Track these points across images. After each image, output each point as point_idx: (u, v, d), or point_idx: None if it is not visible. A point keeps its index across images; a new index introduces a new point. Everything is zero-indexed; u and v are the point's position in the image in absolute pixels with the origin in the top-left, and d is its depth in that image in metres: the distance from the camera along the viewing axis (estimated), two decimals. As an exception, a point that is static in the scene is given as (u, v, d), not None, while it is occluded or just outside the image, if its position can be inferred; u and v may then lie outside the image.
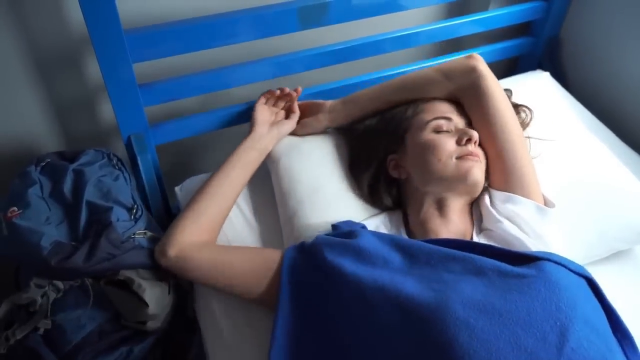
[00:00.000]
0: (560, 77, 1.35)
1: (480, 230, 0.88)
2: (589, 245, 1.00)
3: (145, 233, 0.95)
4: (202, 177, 1.14)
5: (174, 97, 1.07)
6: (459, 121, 0.93)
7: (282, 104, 1.09)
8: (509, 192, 0.88)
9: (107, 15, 0.86)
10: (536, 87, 1.23)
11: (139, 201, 0.99)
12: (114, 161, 1.03)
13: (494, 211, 0.87)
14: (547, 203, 0.88)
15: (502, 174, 0.89)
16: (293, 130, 1.07)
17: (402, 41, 1.22)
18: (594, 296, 0.72)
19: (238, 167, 0.97)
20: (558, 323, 0.64)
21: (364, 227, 0.89)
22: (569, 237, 0.95)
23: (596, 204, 1.02)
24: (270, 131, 1.03)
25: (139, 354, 0.95)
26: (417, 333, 0.66)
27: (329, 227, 0.91)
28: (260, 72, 1.12)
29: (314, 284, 0.80)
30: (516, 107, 1.01)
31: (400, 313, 0.69)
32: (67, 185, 0.95)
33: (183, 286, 1.01)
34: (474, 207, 0.92)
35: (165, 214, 1.13)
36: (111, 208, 0.92)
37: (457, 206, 0.89)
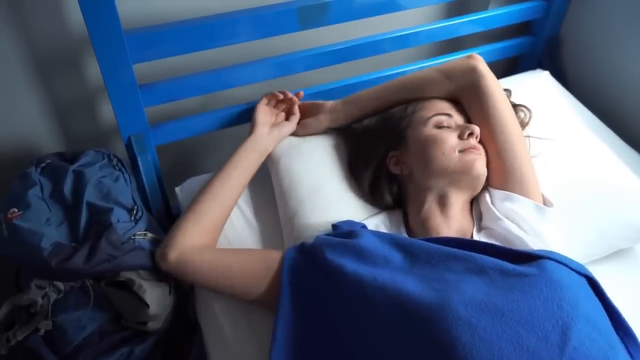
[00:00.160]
0: (560, 77, 1.35)
1: (481, 228, 0.88)
2: (589, 244, 1.00)
3: (145, 234, 0.95)
4: (202, 177, 1.14)
5: (174, 98, 1.07)
6: (458, 118, 0.94)
7: (282, 105, 1.10)
8: (508, 191, 0.88)
9: (107, 15, 0.86)
10: (536, 87, 1.23)
11: (139, 202, 0.99)
12: (114, 162, 1.03)
13: (494, 209, 0.87)
14: (546, 202, 0.88)
15: (501, 173, 0.90)
16: (294, 131, 1.07)
17: (401, 41, 1.22)
18: (594, 295, 0.72)
19: (239, 169, 0.97)
20: (560, 322, 0.64)
21: (364, 226, 0.89)
22: (569, 236, 0.95)
23: (596, 203, 1.02)
24: (270, 132, 1.03)
25: (139, 355, 0.95)
26: (419, 333, 0.66)
27: (329, 227, 0.91)
28: (260, 73, 1.12)
29: (314, 284, 0.80)
30: (515, 107, 1.01)
31: (401, 313, 0.69)
32: (67, 186, 0.95)
33: (184, 287, 1.01)
34: (474, 206, 0.93)
35: (165, 214, 1.13)
36: (111, 209, 0.92)
37: (459, 203, 0.89)
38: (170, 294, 0.95)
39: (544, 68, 1.34)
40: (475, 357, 0.61)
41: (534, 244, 0.81)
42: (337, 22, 1.09)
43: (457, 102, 0.98)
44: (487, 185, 0.92)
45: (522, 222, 0.85)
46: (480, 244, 0.79)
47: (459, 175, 0.87)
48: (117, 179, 0.99)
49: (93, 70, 1.11)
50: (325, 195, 0.97)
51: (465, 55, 0.99)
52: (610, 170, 1.07)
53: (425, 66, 1.19)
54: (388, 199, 0.96)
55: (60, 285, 0.93)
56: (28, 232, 0.87)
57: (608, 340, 0.67)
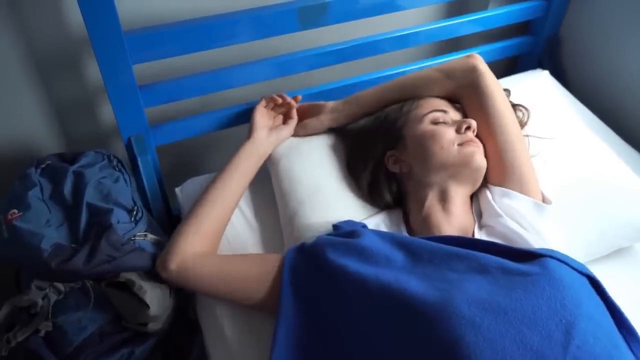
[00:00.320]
0: (560, 76, 1.36)
1: (482, 226, 0.88)
2: (589, 243, 1.01)
3: (145, 235, 0.94)
4: (203, 178, 1.14)
5: (174, 98, 1.07)
6: (454, 114, 0.96)
7: (280, 109, 1.10)
8: (507, 188, 0.88)
9: (106, 16, 0.86)
10: (536, 86, 1.23)
11: (139, 203, 0.98)
12: (114, 163, 1.03)
13: (494, 205, 0.87)
14: (545, 201, 0.89)
15: (501, 172, 0.90)
16: (295, 132, 1.07)
17: (401, 41, 1.22)
18: (596, 294, 0.72)
19: (238, 175, 0.97)
20: (563, 321, 0.64)
21: (364, 226, 0.89)
22: (569, 234, 0.96)
23: (596, 202, 1.02)
24: (269, 136, 1.03)
25: (140, 356, 0.95)
26: (422, 332, 0.66)
27: (330, 227, 0.91)
28: (260, 73, 1.12)
29: (315, 284, 0.80)
30: (513, 106, 1.01)
31: (405, 312, 0.69)
32: (67, 187, 0.95)
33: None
34: (474, 204, 0.93)
35: (165, 215, 1.13)
36: (111, 210, 0.92)
37: (459, 198, 0.89)
38: (170, 295, 0.95)
39: (543, 68, 1.34)
40: (479, 357, 0.61)
41: (535, 242, 0.81)
42: (337, 22, 1.09)
43: (452, 100, 0.99)
44: (487, 184, 0.92)
45: (521, 219, 0.85)
46: (481, 243, 0.79)
47: (459, 168, 0.87)
48: (117, 180, 0.99)
49: (93, 70, 1.10)
50: (325, 196, 0.97)
51: (465, 54, 0.99)
52: (610, 169, 1.07)
53: (425, 66, 1.19)
54: (388, 198, 0.96)
55: (61, 286, 0.93)
56: (28, 233, 0.87)
57: (611, 338, 0.67)
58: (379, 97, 1.03)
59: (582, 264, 0.74)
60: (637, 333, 0.72)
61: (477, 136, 0.92)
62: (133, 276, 0.94)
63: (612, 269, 1.01)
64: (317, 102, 1.09)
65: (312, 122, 1.06)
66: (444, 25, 1.25)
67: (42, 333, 0.90)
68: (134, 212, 0.96)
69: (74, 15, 1.01)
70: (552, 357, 0.62)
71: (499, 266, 0.72)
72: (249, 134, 1.02)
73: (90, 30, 0.87)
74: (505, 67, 1.50)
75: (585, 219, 1.00)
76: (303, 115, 1.08)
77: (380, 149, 0.97)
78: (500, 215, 0.85)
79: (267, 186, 1.05)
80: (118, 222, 0.91)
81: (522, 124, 1.02)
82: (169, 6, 1.08)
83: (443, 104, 0.96)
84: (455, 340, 0.63)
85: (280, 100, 1.07)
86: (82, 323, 0.92)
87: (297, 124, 1.08)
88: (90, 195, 0.94)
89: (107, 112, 1.18)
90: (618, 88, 1.31)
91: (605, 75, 1.33)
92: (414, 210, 0.92)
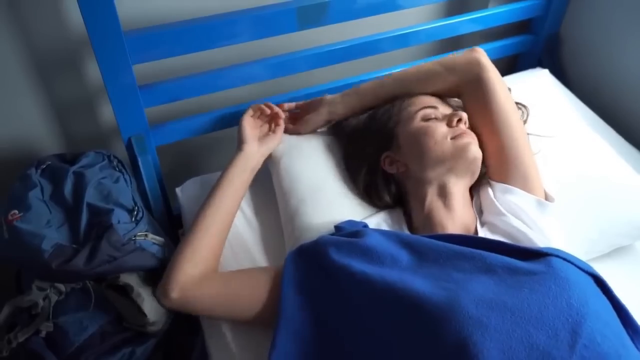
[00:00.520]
0: (560, 75, 1.36)
1: (483, 223, 0.88)
2: (590, 242, 1.01)
3: (146, 235, 0.94)
4: (203, 178, 1.14)
5: (174, 98, 1.07)
6: (444, 108, 0.95)
7: (265, 117, 1.06)
8: (510, 185, 0.88)
9: (106, 16, 0.86)
10: (536, 85, 1.23)
11: (139, 203, 0.98)
12: (115, 163, 1.03)
13: (497, 203, 0.87)
14: (547, 198, 0.88)
15: (504, 168, 0.90)
16: (297, 129, 1.06)
17: (401, 40, 1.22)
18: (602, 293, 0.72)
19: (231, 193, 0.93)
20: (570, 320, 0.64)
21: (365, 226, 0.89)
22: (570, 233, 0.95)
23: (597, 200, 1.02)
24: (259, 148, 0.99)
25: (140, 356, 0.95)
26: (429, 333, 0.66)
27: (331, 227, 0.91)
28: (260, 73, 1.12)
29: (317, 284, 0.79)
30: None
31: (411, 313, 0.68)
32: (68, 188, 0.95)
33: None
34: (475, 199, 0.93)
35: (166, 215, 1.13)
36: (112, 210, 0.92)
37: (460, 192, 0.89)
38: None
39: (543, 66, 1.34)
40: (486, 357, 0.61)
41: (539, 240, 0.81)
42: (337, 22, 1.09)
43: (448, 95, 0.99)
44: (489, 180, 0.92)
45: (524, 216, 0.84)
46: (487, 241, 0.79)
47: (455, 160, 0.87)
48: (117, 180, 0.99)
49: (93, 71, 1.10)
50: (326, 194, 0.97)
51: (468, 49, 0.98)
52: (610, 167, 1.07)
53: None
54: (387, 199, 0.96)
55: (61, 286, 0.93)
56: (29, 234, 0.87)
57: (619, 337, 0.67)
58: (378, 90, 1.02)
59: (587, 264, 0.74)
60: None
61: (480, 132, 0.92)
62: (133, 279, 0.94)
63: (613, 267, 1.01)
64: (315, 98, 1.08)
65: (312, 117, 1.05)
66: (444, 24, 1.25)
67: (43, 334, 0.90)
68: (135, 212, 0.95)
69: (74, 15, 1.00)
70: (559, 357, 0.61)
71: (504, 265, 0.71)
72: (239, 146, 0.98)
73: (90, 31, 0.86)
74: (505, 66, 1.49)
75: (585, 217, 1.00)
76: (304, 112, 1.08)
77: (373, 152, 0.96)
78: (503, 214, 0.85)
79: (267, 185, 1.05)
80: (119, 222, 0.91)
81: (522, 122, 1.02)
82: (169, 6, 1.08)
83: (432, 100, 0.96)
84: (463, 341, 0.63)
85: (268, 111, 1.03)
86: (83, 323, 0.92)
87: (299, 120, 1.07)
88: (90, 196, 0.94)
89: (107, 113, 1.18)
90: (618, 86, 1.31)
91: (605, 73, 1.33)
92: (415, 209, 0.92)
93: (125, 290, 0.93)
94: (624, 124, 1.26)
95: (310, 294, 0.79)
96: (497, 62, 1.36)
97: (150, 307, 0.93)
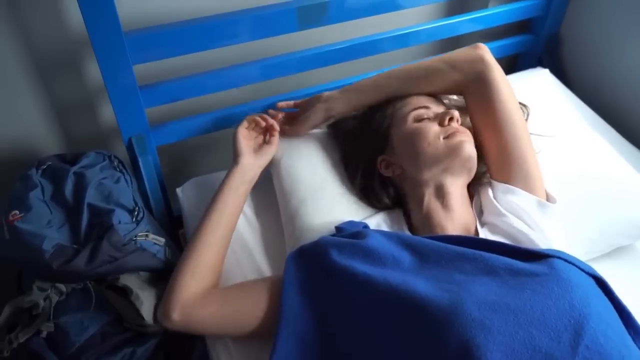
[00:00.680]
0: (561, 74, 1.35)
1: (483, 223, 0.88)
2: (590, 241, 1.01)
3: (147, 235, 0.95)
4: (203, 178, 1.14)
5: (175, 99, 1.07)
6: (436, 107, 0.94)
7: (260, 128, 1.03)
8: (512, 185, 0.88)
9: (106, 17, 0.86)
10: (536, 84, 1.23)
11: (140, 203, 0.98)
12: (115, 163, 1.03)
13: (497, 204, 0.86)
14: (549, 198, 0.88)
15: (507, 167, 0.89)
16: (295, 130, 1.04)
17: (401, 40, 1.22)
18: (603, 295, 0.72)
19: (229, 207, 0.91)
20: (572, 321, 0.64)
21: (366, 226, 0.89)
22: (570, 232, 0.95)
23: (598, 200, 1.02)
24: (256, 160, 0.97)
25: (141, 356, 0.95)
26: (432, 335, 0.66)
27: (331, 227, 0.91)
28: (260, 73, 1.12)
29: (318, 285, 0.79)
30: None
31: (414, 315, 0.68)
32: (69, 188, 0.95)
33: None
34: (475, 199, 0.92)
35: (167, 215, 1.13)
36: (113, 210, 0.92)
37: (457, 191, 0.88)
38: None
39: (544, 66, 1.34)
40: (489, 359, 0.61)
41: (539, 240, 0.81)
42: (337, 22, 1.09)
43: (434, 95, 0.97)
44: (490, 179, 0.92)
45: (526, 216, 0.84)
46: (488, 243, 0.78)
47: (450, 160, 0.86)
48: (118, 180, 0.99)
49: (93, 71, 1.10)
50: (327, 195, 0.97)
51: (470, 45, 0.96)
52: (611, 167, 1.07)
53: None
54: (386, 201, 0.96)
55: (62, 287, 0.93)
56: (29, 234, 0.87)
57: (621, 338, 0.66)
58: (378, 87, 0.99)
59: (588, 265, 0.74)
60: None
61: (482, 130, 0.91)
62: (132, 280, 0.94)
63: (613, 267, 1.01)
64: (313, 95, 1.06)
65: (310, 115, 1.02)
66: (444, 24, 1.25)
67: (44, 334, 0.90)
68: (135, 213, 0.96)
69: (74, 15, 1.00)
70: (561, 359, 0.61)
71: (506, 267, 0.71)
72: (235, 160, 0.95)
73: (90, 31, 0.86)
74: (505, 66, 1.49)
75: (586, 216, 1.00)
76: (302, 110, 1.06)
77: (369, 155, 0.96)
78: (503, 214, 0.85)
79: (268, 185, 1.05)
80: (119, 222, 0.91)
81: None
82: (169, 6, 1.08)
83: (424, 100, 0.95)
84: (466, 343, 0.63)
85: (263, 123, 1.00)
86: (84, 324, 0.92)
87: (296, 120, 1.05)
88: (91, 196, 0.94)
89: (107, 113, 1.18)
90: (618, 86, 1.31)
91: (605, 73, 1.33)
92: (414, 210, 0.91)
93: (125, 292, 0.93)
94: (625, 124, 1.26)
95: (312, 294, 0.79)
96: (497, 62, 1.36)
97: (148, 310, 0.93)
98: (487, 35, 1.38)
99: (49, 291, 0.92)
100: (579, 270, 0.71)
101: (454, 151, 0.85)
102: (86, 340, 0.91)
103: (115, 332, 0.94)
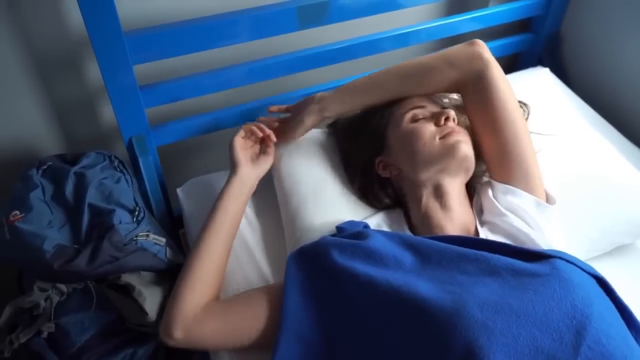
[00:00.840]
0: (561, 73, 1.35)
1: (483, 222, 0.87)
2: (591, 240, 1.01)
3: (147, 235, 0.95)
4: (204, 178, 1.13)
5: (175, 99, 1.07)
6: (432, 107, 0.92)
7: (256, 137, 1.01)
8: (512, 184, 0.87)
9: (106, 17, 0.86)
10: (537, 84, 1.23)
11: (141, 203, 0.98)
12: (115, 163, 1.03)
13: (497, 203, 0.86)
14: (549, 198, 0.88)
15: (506, 167, 0.88)
16: (291, 136, 1.01)
17: (402, 39, 1.22)
18: (605, 295, 0.71)
19: (228, 219, 0.89)
20: (574, 322, 0.64)
21: (366, 226, 0.89)
22: (571, 231, 0.95)
23: (598, 199, 1.02)
24: (254, 170, 0.96)
25: (142, 356, 0.95)
26: (435, 337, 0.66)
27: (332, 227, 0.90)
28: (260, 73, 1.12)
29: (319, 285, 0.79)
30: None
31: (417, 316, 0.68)
32: (69, 188, 0.95)
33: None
34: (475, 198, 0.92)
35: (167, 215, 1.13)
36: (113, 210, 0.92)
37: (455, 191, 0.88)
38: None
39: (544, 65, 1.34)
40: None
41: (540, 239, 0.80)
42: (337, 21, 1.09)
43: (430, 94, 0.95)
44: (490, 179, 0.91)
45: (526, 215, 0.84)
46: (489, 243, 0.78)
47: (446, 161, 0.85)
48: (118, 181, 0.99)
49: (93, 71, 1.10)
50: (327, 195, 0.97)
51: (466, 42, 0.93)
52: (612, 166, 1.07)
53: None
54: (386, 201, 0.95)
55: (63, 287, 0.93)
56: (30, 234, 0.87)
57: (624, 338, 0.66)
58: (373, 86, 0.96)
59: (589, 265, 0.74)
60: None
61: (481, 130, 0.91)
62: (134, 279, 0.94)
63: (614, 266, 1.01)
64: (305, 97, 1.02)
65: (304, 117, 0.99)
66: (445, 23, 1.25)
67: (45, 334, 0.90)
68: (136, 213, 0.96)
69: (74, 15, 1.00)
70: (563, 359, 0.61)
71: (508, 267, 0.71)
72: (233, 170, 0.94)
73: (90, 31, 0.86)
74: (505, 65, 1.49)
75: (587, 215, 1.00)
76: (295, 113, 1.02)
77: (367, 157, 0.95)
78: (504, 214, 0.84)
79: (268, 185, 1.05)
80: (120, 222, 0.91)
81: None
82: (169, 6, 1.08)
83: (420, 100, 0.93)
84: (469, 345, 0.62)
85: (260, 134, 0.98)
86: (85, 324, 0.92)
87: (289, 125, 1.01)
88: (91, 196, 0.94)
89: (107, 113, 1.18)
90: (619, 85, 1.30)
91: (606, 72, 1.33)
92: (413, 210, 0.91)
93: (127, 290, 0.93)
94: (625, 123, 1.26)
95: (313, 295, 0.79)
96: (497, 61, 1.36)
97: (151, 305, 0.93)
98: (488, 35, 1.38)
99: (50, 291, 0.92)
100: (580, 270, 0.71)
101: (449, 152, 0.85)
102: (87, 340, 0.91)
103: (116, 333, 0.94)
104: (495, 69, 0.90)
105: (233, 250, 0.97)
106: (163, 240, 0.97)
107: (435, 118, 0.89)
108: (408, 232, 0.89)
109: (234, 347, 0.83)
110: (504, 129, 0.88)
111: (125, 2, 0.97)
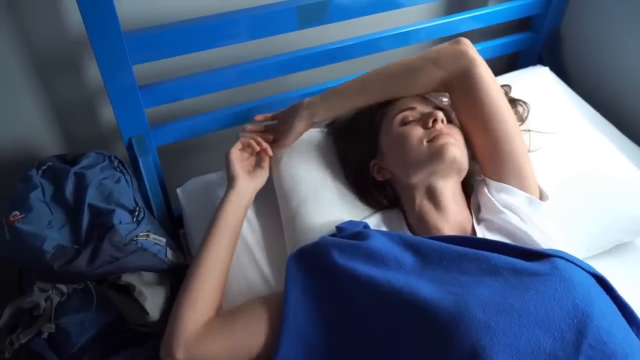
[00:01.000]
0: (561, 72, 1.35)
1: (480, 220, 0.87)
2: (591, 238, 1.01)
3: (148, 235, 0.94)
4: (203, 178, 1.13)
5: (175, 98, 1.07)
6: (423, 107, 0.91)
7: (251, 150, 0.99)
8: (505, 182, 0.87)
9: (106, 17, 0.86)
10: (536, 82, 1.23)
11: (141, 203, 0.98)
12: (115, 163, 1.03)
13: (494, 200, 0.86)
14: (542, 195, 0.88)
15: (498, 164, 0.88)
16: (283, 143, 0.99)
17: (401, 38, 1.22)
18: (605, 293, 0.71)
19: (227, 233, 0.88)
20: (575, 321, 0.64)
21: (366, 226, 0.89)
22: (571, 229, 0.96)
23: (598, 197, 1.02)
24: (251, 182, 0.94)
25: (143, 357, 0.95)
26: (437, 338, 0.66)
27: (332, 227, 0.90)
28: (260, 72, 1.12)
29: (320, 286, 0.79)
30: (512, 101, 1.00)
31: (419, 317, 0.68)
32: (69, 189, 0.95)
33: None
34: (473, 197, 0.92)
35: (167, 215, 1.13)
36: (113, 211, 0.92)
37: (448, 192, 0.87)
38: (172, 296, 0.96)
39: (544, 64, 1.34)
40: None
41: (537, 236, 0.80)
42: (337, 20, 1.09)
43: (422, 96, 0.95)
44: (484, 177, 0.91)
45: (520, 213, 0.84)
46: (489, 242, 0.78)
47: (434, 164, 0.84)
48: (118, 181, 0.99)
49: (93, 71, 1.10)
50: (327, 195, 0.97)
51: (452, 40, 0.92)
52: (611, 164, 1.07)
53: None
54: (384, 202, 0.96)
55: (63, 287, 0.93)
56: (30, 235, 0.87)
57: (625, 336, 0.67)
58: (360, 89, 0.96)
59: (589, 264, 0.74)
60: None
61: (471, 129, 0.90)
62: (134, 279, 0.94)
63: (613, 263, 1.01)
64: (292, 104, 1.01)
65: (294, 123, 0.97)
66: (444, 22, 1.25)
67: (45, 335, 0.90)
68: (136, 213, 0.95)
69: (74, 15, 1.00)
70: (565, 359, 0.61)
71: (509, 267, 0.71)
72: (230, 183, 0.93)
73: (90, 31, 0.86)
74: (505, 64, 1.49)
75: (586, 213, 1.01)
76: (284, 118, 1.00)
77: (362, 160, 0.95)
78: (500, 211, 0.84)
79: (268, 185, 1.05)
80: (120, 222, 0.91)
81: (522, 119, 1.01)
82: (169, 6, 1.07)
83: (411, 101, 0.92)
84: (472, 345, 0.62)
85: (257, 148, 0.97)
86: (85, 324, 0.92)
87: (279, 131, 1.00)
88: (91, 196, 0.94)
89: (107, 113, 1.18)
90: (619, 83, 1.30)
91: (606, 70, 1.33)
92: (408, 211, 0.91)
93: (127, 290, 0.93)
94: (625, 121, 1.26)
95: (314, 295, 0.79)
96: (497, 60, 1.37)
97: (152, 305, 0.93)
98: (487, 33, 1.38)
99: (50, 292, 0.92)
100: (580, 269, 0.71)
101: (437, 155, 0.84)
102: (87, 340, 0.91)
103: (116, 333, 0.94)
104: (482, 66, 0.89)
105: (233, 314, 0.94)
106: (163, 240, 0.97)
107: (422, 121, 0.88)
108: (408, 232, 0.89)
109: (243, 356, 0.81)
110: (494, 127, 0.87)
111: (125, 2, 0.97)
